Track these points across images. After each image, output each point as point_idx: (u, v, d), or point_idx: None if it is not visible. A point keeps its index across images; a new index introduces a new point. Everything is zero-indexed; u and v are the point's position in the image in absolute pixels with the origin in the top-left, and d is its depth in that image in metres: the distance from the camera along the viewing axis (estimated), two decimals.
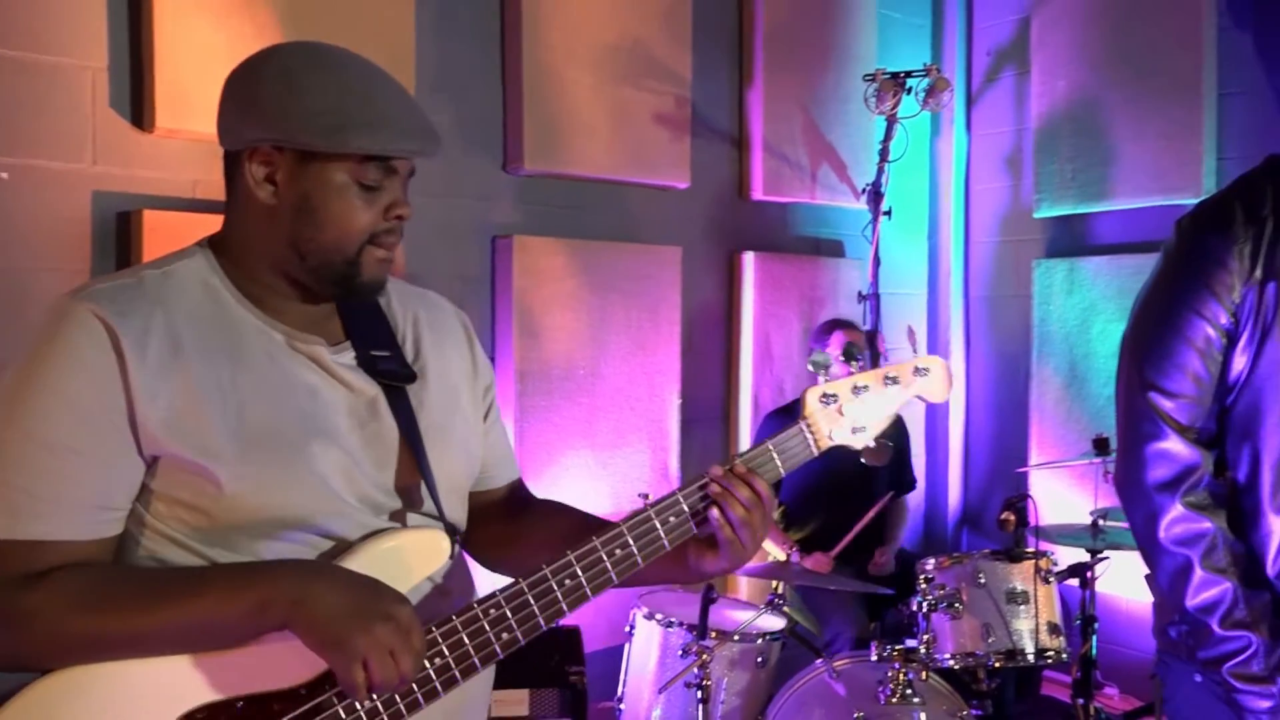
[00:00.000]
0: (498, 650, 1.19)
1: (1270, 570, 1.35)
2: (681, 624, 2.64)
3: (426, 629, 1.15)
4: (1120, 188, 3.74)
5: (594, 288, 3.23)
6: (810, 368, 1.39)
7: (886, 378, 1.35)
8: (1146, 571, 1.49)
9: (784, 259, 3.80)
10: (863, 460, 1.40)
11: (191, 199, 2.51)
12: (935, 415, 4.39)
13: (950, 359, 4.36)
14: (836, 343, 3.31)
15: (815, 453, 1.33)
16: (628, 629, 2.79)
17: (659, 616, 2.69)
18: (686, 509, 1.25)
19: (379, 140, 1.16)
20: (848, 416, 1.34)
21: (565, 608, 1.22)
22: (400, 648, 1.07)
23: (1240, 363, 1.35)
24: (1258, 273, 1.33)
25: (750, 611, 2.80)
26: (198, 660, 1.12)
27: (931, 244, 4.43)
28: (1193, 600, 1.36)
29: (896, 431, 3.59)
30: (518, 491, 1.49)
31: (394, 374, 1.26)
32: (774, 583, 2.81)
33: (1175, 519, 1.37)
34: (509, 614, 1.19)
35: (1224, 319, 1.36)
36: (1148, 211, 3.67)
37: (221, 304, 1.20)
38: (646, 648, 2.73)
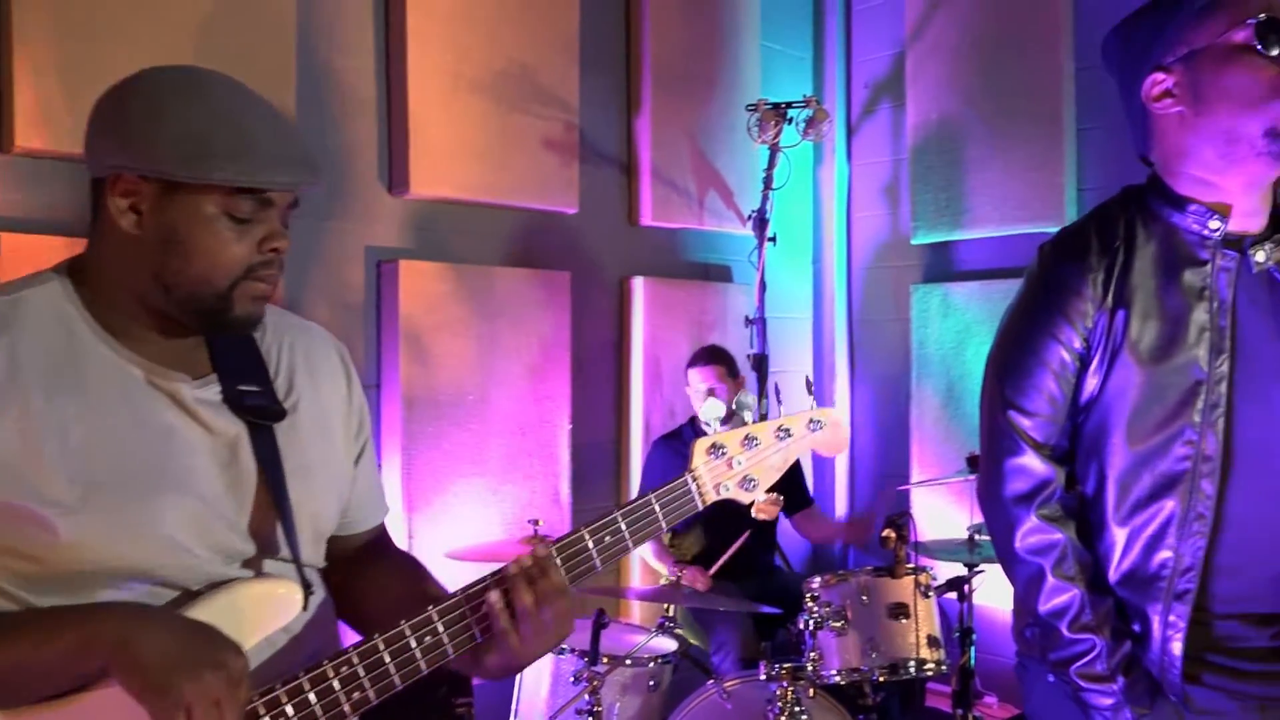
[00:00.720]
0: (346, 711, 1.12)
1: (1113, 577, 1.42)
2: (573, 650, 2.63)
3: (270, 687, 1.09)
4: (990, 216, 3.92)
5: (483, 313, 3.21)
6: (734, 407, 1.36)
7: (780, 430, 1.34)
8: None
9: (673, 284, 3.85)
10: (753, 514, 1.39)
11: (52, 221, 2.40)
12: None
13: (836, 380, 4.48)
14: (701, 376, 3.39)
15: (700, 507, 1.30)
16: None
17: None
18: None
19: (245, 171, 1.10)
20: (737, 470, 1.32)
21: (423, 666, 1.16)
22: (228, 701, 1.01)
23: (1091, 384, 1.42)
24: (1109, 300, 1.40)
25: (642, 635, 2.81)
26: (13, 716, 1.03)
27: (816, 269, 4.55)
28: (1044, 606, 1.42)
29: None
30: (375, 542, 1.42)
31: (261, 411, 1.20)
32: (666, 605, 2.83)
33: (1030, 530, 1.43)
34: (361, 672, 1.12)
35: (1077, 343, 1.42)
36: (1016, 239, 3.86)
37: (75, 335, 1.13)
38: (537, 676, 2.70)
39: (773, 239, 3.72)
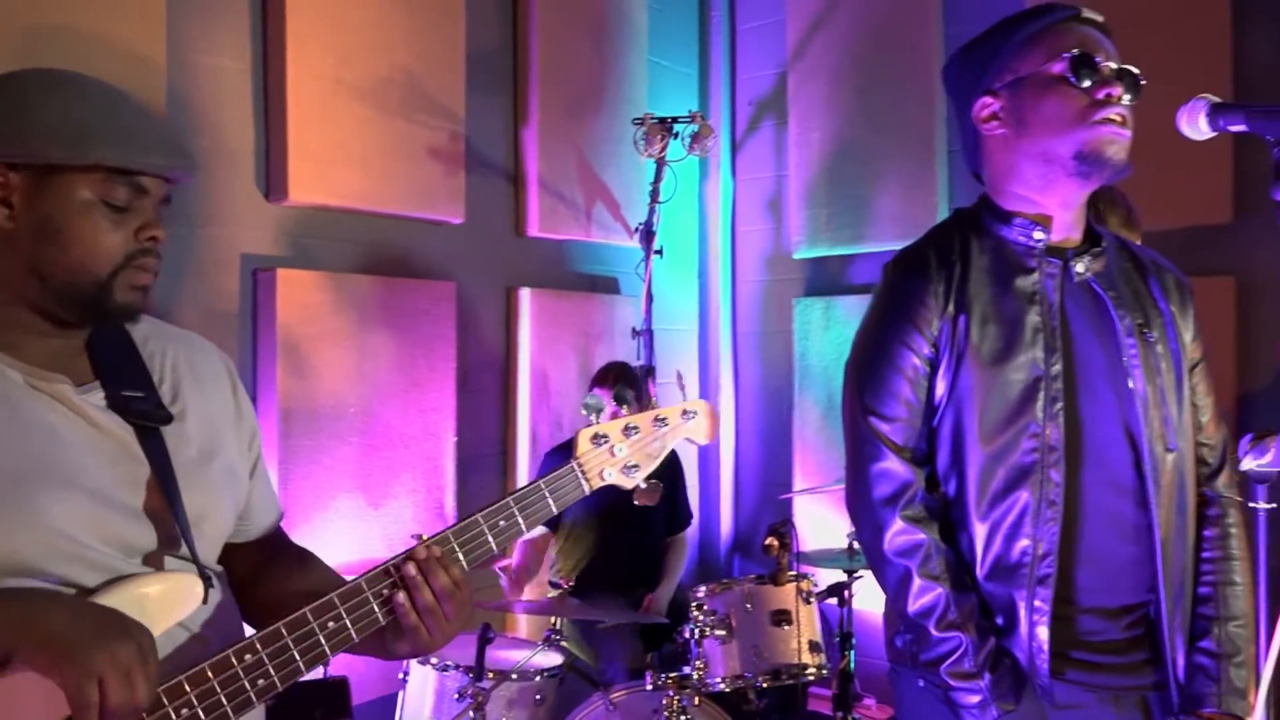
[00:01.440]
0: (253, 698, 1.14)
1: (980, 571, 1.49)
2: (457, 666, 2.59)
3: (174, 678, 1.09)
4: (868, 232, 4.05)
5: (365, 324, 3.14)
6: (583, 411, 1.44)
7: (656, 419, 1.43)
8: None
9: (561, 295, 3.84)
10: (635, 501, 1.45)
11: None
12: (708, 446, 4.55)
13: (721, 392, 4.55)
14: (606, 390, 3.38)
15: (587, 491, 1.37)
16: (401, 675, 2.70)
17: (434, 660, 2.62)
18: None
19: (125, 153, 1.11)
20: (619, 456, 1.40)
21: (327, 650, 1.19)
22: (139, 670, 1.01)
23: (941, 387, 1.51)
24: (950, 308, 1.50)
25: (528, 649, 2.79)
26: None
27: (702, 282, 4.62)
28: (913, 606, 1.48)
29: (671, 470, 3.71)
30: (273, 541, 1.44)
31: (148, 414, 1.20)
32: (553, 619, 2.81)
33: (896, 532, 1.49)
34: (266, 658, 1.15)
35: (926, 349, 1.52)
36: (893, 254, 3.99)
37: None
38: (421, 694, 2.65)
39: (659, 251, 3.75)
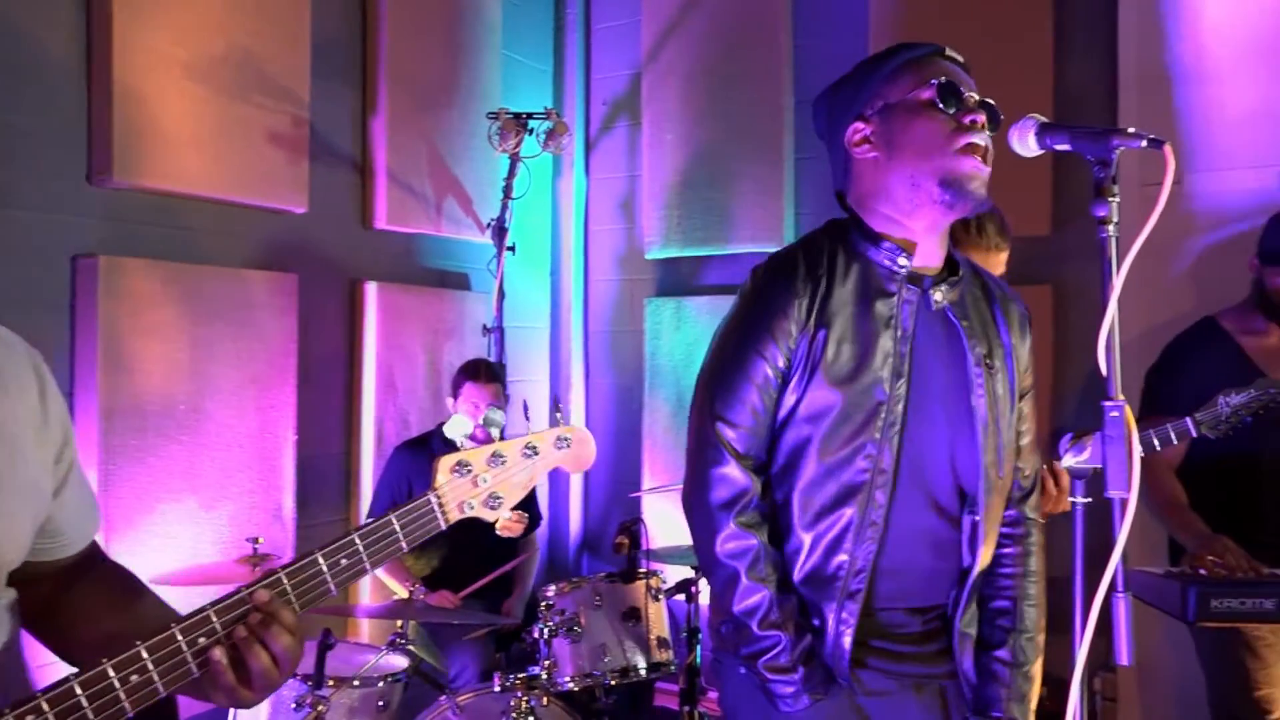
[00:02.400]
0: None
1: (797, 577, 1.57)
2: (295, 674, 2.48)
3: None
4: (719, 235, 4.13)
5: (197, 316, 2.97)
6: (483, 424, 1.35)
7: (526, 448, 1.32)
8: None
9: (409, 290, 3.75)
10: (498, 532, 1.38)
11: None
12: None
13: (572, 390, 4.55)
14: (466, 396, 3.28)
15: (443, 525, 1.27)
16: None
17: None
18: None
19: None
20: (482, 488, 1.29)
21: (128, 707, 1.07)
22: None
23: (789, 401, 1.55)
24: (811, 323, 1.54)
25: (372, 654, 2.70)
26: None
27: (554, 280, 4.60)
28: (738, 606, 1.54)
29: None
30: (85, 560, 1.29)
31: None
32: (398, 621, 2.74)
33: (729, 535, 1.54)
34: (51, 718, 1.02)
35: (781, 361, 1.55)
36: (742, 257, 4.09)
37: None
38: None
39: (511, 248, 3.72)
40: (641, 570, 2.80)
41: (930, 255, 1.60)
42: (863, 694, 1.55)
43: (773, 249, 3.98)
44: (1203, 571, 2.33)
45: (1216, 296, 2.86)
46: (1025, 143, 1.39)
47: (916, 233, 1.58)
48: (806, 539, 1.54)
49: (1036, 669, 1.63)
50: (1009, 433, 1.60)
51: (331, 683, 2.46)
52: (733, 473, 1.55)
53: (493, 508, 1.30)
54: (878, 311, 1.55)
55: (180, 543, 2.89)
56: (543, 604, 2.71)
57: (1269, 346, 2.63)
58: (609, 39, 4.52)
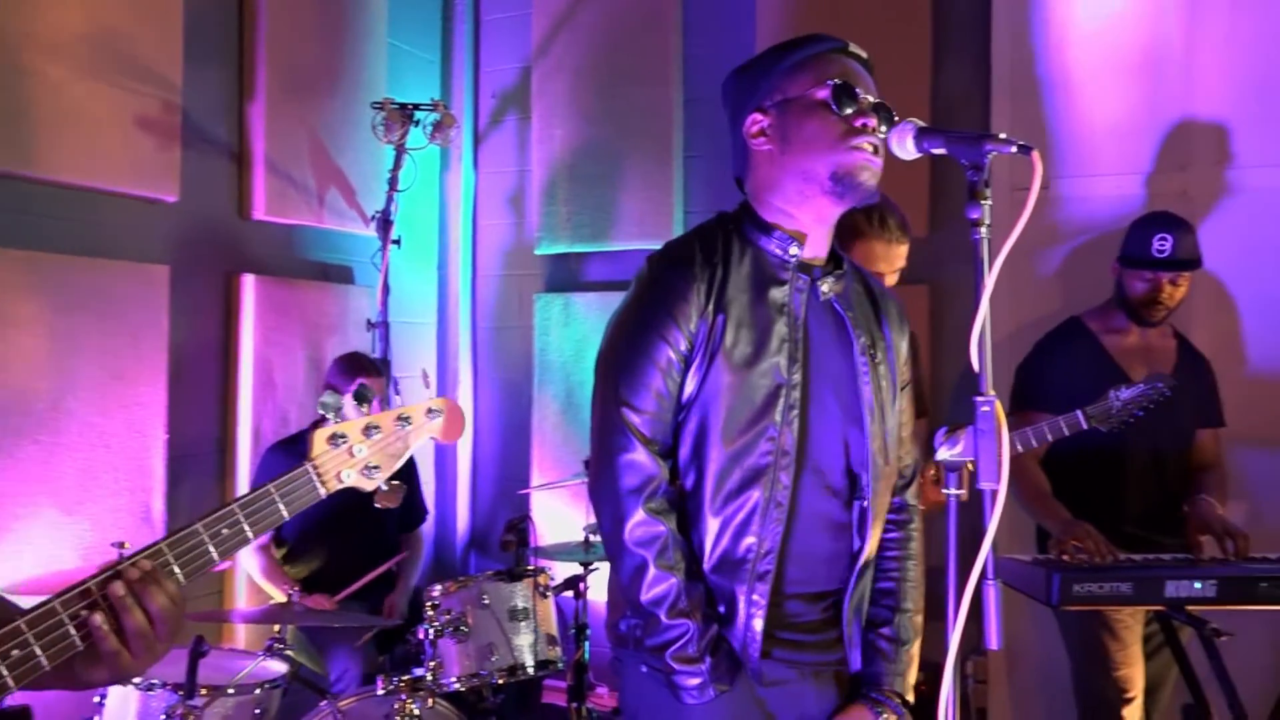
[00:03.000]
0: None
1: (707, 563, 1.57)
2: (164, 684, 2.37)
3: None
4: (609, 231, 4.13)
5: (58, 309, 2.81)
6: (320, 410, 1.35)
7: (399, 419, 1.36)
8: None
9: (289, 284, 3.62)
10: (376, 503, 1.39)
11: None
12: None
13: (460, 386, 4.48)
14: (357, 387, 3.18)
15: (323, 494, 1.30)
16: (97, 700, 2.44)
17: (136, 679, 2.38)
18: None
19: None
20: (359, 457, 1.32)
21: (11, 682, 1.06)
22: None
23: (691, 384, 1.57)
24: (710, 308, 1.56)
25: (248, 660, 2.61)
26: None
27: (441, 275, 4.52)
28: (646, 595, 1.53)
29: (405, 465, 3.58)
30: None
31: None
32: (275, 626, 2.65)
33: (638, 523, 1.54)
34: None
35: (683, 345, 1.57)
36: (631, 253, 4.10)
37: None
38: (121, 718, 2.41)
39: (397, 241, 3.64)
40: (529, 568, 2.78)
41: (818, 246, 1.65)
42: (763, 685, 1.57)
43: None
44: (1065, 557, 2.45)
45: (1081, 297, 3.01)
46: (904, 146, 1.43)
47: (806, 224, 1.62)
48: (715, 524, 1.55)
49: (916, 648, 1.69)
50: (893, 421, 1.65)
51: (204, 691, 2.36)
52: (640, 458, 1.54)
53: (369, 477, 1.34)
54: (771, 298, 1.58)
55: (38, 548, 2.72)
56: (428, 604, 2.67)
57: (1129, 345, 2.78)
58: (499, 31, 4.47)
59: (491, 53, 4.48)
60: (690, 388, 1.56)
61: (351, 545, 3.19)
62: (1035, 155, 1.27)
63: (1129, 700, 2.59)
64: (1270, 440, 3.15)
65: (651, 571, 1.52)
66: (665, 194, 4.02)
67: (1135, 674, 2.61)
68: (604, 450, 1.58)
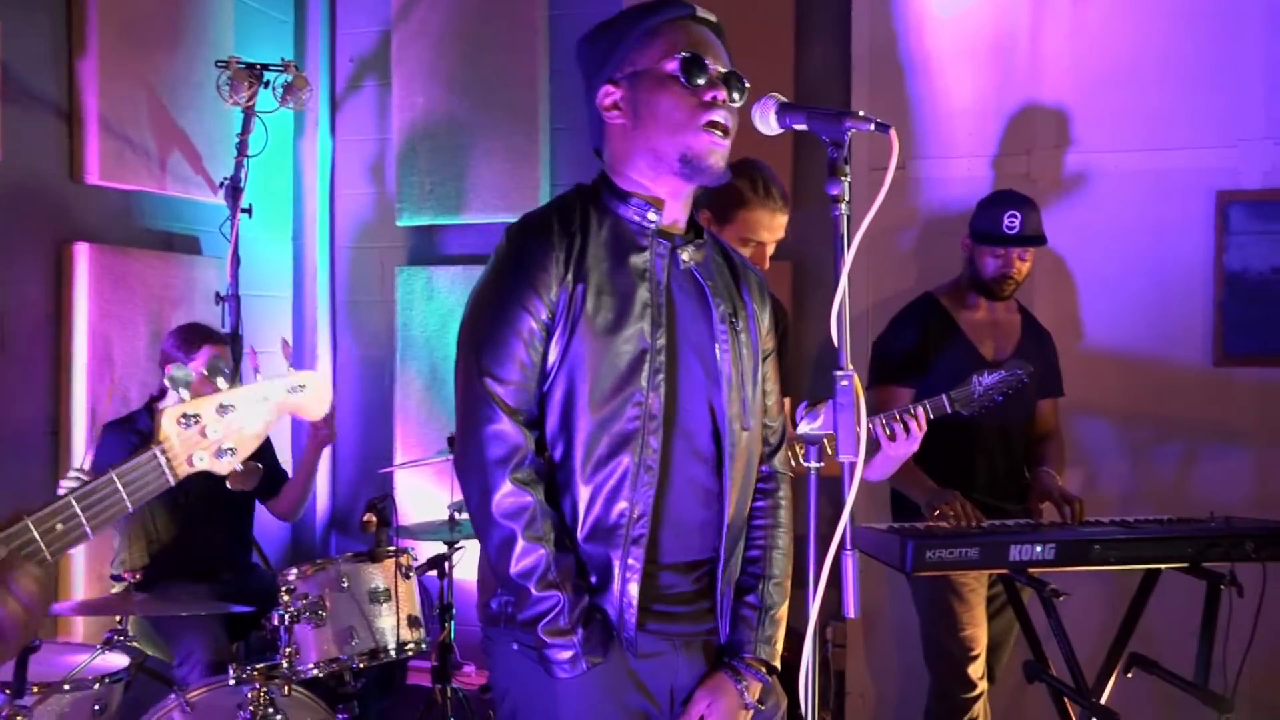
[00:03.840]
0: None
1: (580, 532, 1.56)
2: None
3: None
4: (473, 203, 4.04)
5: None
6: (168, 384, 1.25)
7: (257, 395, 1.26)
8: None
9: (128, 253, 3.40)
10: (229, 485, 1.29)
11: None
12: (303, 420, 4.30)
13: (318, 363, 4.32)
14: (204, 358, 3.02)
15: (171, 481, 1.19)
16: None
17: None
18: None
19: None
20: (212, 438, 1.22)
21: None
22: None
23: (554, 353, 1.55)
24: (569, 277, 1.55)
25: (85, 654, 2.45)
26: None
27: (296, 246, 4.34)
28: (515, 567, 1.51)
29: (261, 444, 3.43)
30: None
31: None
32: (116, 617, 2.50)
33: (505, 495, 1.51)
34: None
35: (544, 314, 1.55)
36: (496, 227, 4.00)
37: None
38: None
39: (247, 210, 3.47)
40: (390, 548, 2.71)
41: (676, 214, 1.65)
42: (637, 657, 1.56)
43: None
44: (943, 523, 2.54)
45: (935, 275, 3.12)
46: (766, 121, 1.43)
47: (662, 194, 1.62)
48: (586, 491, 1.54)
49: (782, 612, 1.71)
50: (753, 389, 1.66)
51: (36, 689, 2.20)
52: (506, 429, 1.52)
53: (224, 459, 1.24)
54: (632, 264, 1.58)
55: None
56: (283, 589, 2.56)
57: (979, 320, 2.90)
58: None
59: (349, 14, 4.30)
60: (554, 357, 1.55)
61: (197, 526, 3.03)
62: (893, 133, 1.30)
63: (974, 658, 2.72)
64: (1104, 409, 3.36)
65: (520, 544, 1.50)
66: (531, 166, 3.95)
67: (979, 633, 2.74)
68: (468, 422, 1.55)
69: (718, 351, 1.61)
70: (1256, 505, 3.16)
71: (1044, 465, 2.82)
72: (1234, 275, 3.32)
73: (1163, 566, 2.55)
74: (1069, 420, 3.15)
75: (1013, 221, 2.78)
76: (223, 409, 1.23)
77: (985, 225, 2.84)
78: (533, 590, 1.50)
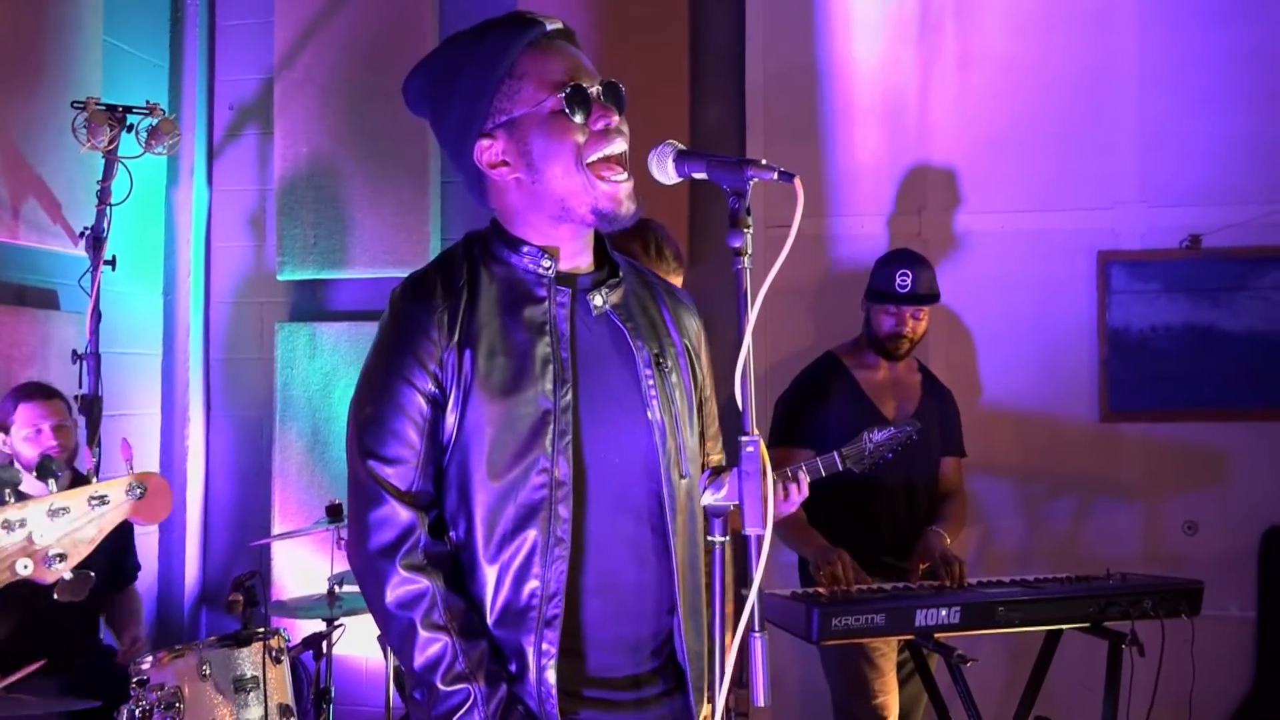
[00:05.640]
0: None
1: (490, 617, 1.41)
2: None
3: None
4: (360, 257, 3.88)
5: None
6: None
7: (93, 498, 1.17)
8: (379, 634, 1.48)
9: None
10: (55, 596, 1.17)
11: None
12: (172, 486, 4.01)
13: (190, 425, 4.05)
14: (23, 419, 2.79)
15: None
16: None
17: None
18: None
19: None
20: (40, 544, 1.13)
21: None
22: None
23: (450, 423, 1.41)
24: (455, 339, 1.41)
25: None
26: None
27: (168, 300, 4.08)
28: (419, 660, 1.37)
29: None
30: None
31: None
32: None
33: (397, 583, 1.38)
34: None
35: (430, 385, 1.41)
36: (384, 281, 3.86)
37: None
38: None
39: (110, 262, 3.24)
40: (259, 629, 2.49)
41: (578, 256, 1.52)
42: None
43: None
44: (821, 590, 2.47)
45: (833, 333, 3.09)
46: (664, 169, 1.35)
47: (562, 239, 1.49)
48: (492, 572, 1.40)
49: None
50: (688, 432, 1.52)
51: None
52: (392, 512, 1.39)
53: (51, 568, 1.14)
54: (529, 318, 1.45)
55: None
56: (134, 680, 2.31)
57: (879, 380, 2.88)
58: (237, 38, 4.11)
59: (228, 61, 4.11)
60: (449, 427, 1.41)
61: (40, 614, 2.74)
62: (797, 181, 1.23)
63: None
64: (1000, 467, 3.38)
65: (420, 634, 1.36)
66: (421, 220, 3.82)
67: (891, 700, 2.67)
68: (355, 508, 1.43)
69: (644, 397, 1.47)
70: (1144, 558, 3.21)
71: (935, 524, 2.77)
72: (1116, 333, 3.41)
73: (1065, 627, 2.53)
74: (967, 478, 3.14)
75: (904, 280, 2.78)
76: (54, 513, 1.15)
77: (879, 284, 2.83)
78: (440, 685, 1.36)
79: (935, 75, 3.51)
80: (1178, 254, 3.39)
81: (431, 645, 1.37)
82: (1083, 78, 3.45)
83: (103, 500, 1.18)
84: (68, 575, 1.15)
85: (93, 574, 1.18)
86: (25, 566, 1.12)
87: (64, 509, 1.15)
